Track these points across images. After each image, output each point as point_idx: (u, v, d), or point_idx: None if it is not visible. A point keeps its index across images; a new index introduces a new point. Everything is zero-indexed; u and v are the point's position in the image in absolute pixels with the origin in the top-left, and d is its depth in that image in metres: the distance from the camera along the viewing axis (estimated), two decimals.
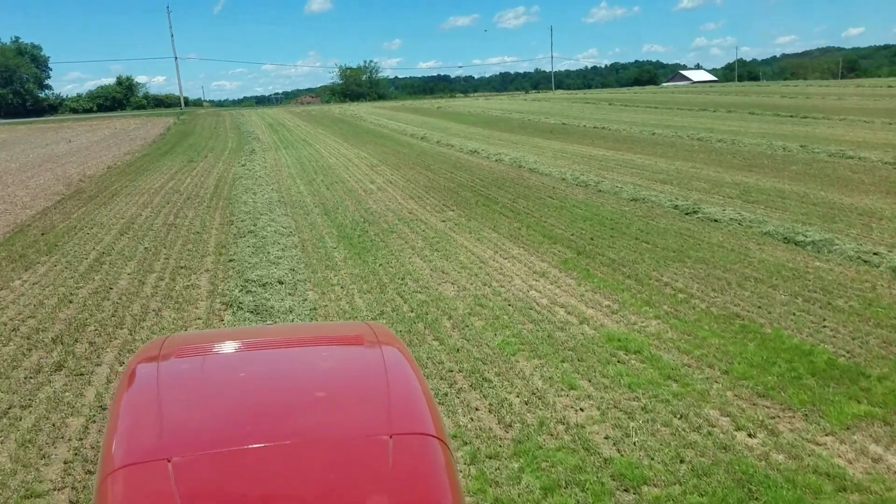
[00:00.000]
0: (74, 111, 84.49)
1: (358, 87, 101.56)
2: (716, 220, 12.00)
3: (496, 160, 22.28)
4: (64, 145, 35.50)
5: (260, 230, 12.26)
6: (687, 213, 12.74)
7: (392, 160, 23.38)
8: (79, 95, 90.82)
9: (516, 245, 10.95)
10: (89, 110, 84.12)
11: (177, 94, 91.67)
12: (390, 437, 2.01)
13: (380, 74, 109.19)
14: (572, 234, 11.46)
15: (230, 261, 10.32)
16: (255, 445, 1.98)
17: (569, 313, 7.58)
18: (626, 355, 6.31)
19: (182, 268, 9.97)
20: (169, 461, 1.88)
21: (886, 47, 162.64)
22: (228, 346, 2.92)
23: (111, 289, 8.97)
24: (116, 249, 11.18)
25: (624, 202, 14.20)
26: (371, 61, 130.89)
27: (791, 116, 32.02)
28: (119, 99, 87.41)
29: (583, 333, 6.89)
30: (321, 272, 9.69)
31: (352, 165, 22.31)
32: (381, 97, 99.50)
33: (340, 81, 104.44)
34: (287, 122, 49.59)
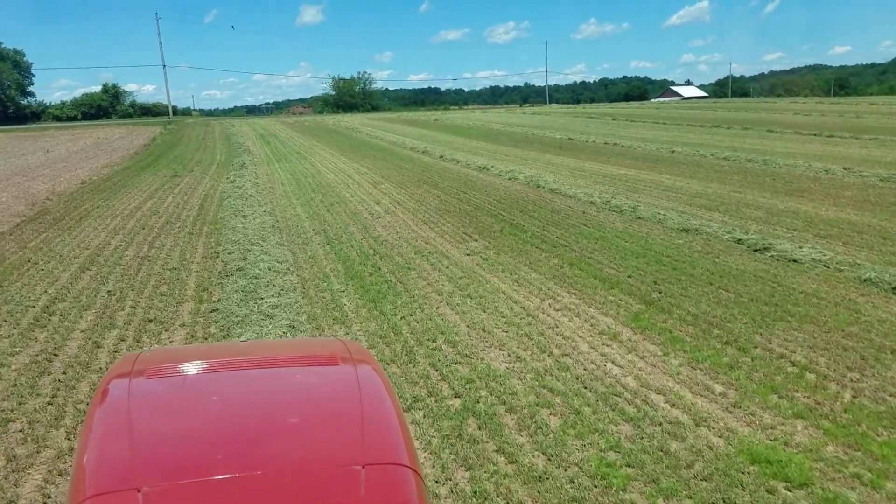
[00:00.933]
0: (58, 119, 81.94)
1: (351, 98, 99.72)
2: (795, 261, 10.09)
3: (510, 178, 20.38)
4: (41, 155, 33.26)
5: (251, 266, 10.22)
6: (756, 250, 10.82)
7: (395, 177, 21.41)
8: (63, 103, 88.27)
9: (565, 289, 8.97)
10: (73, 118, 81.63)
11: (165, 102, 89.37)
12: (363, 466, 1.97)
13: (373, 86, 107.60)
14: (629, 276, 9.50)
15: (213, 311, 8.27)
16: (225, 476, 1.93)
17: (673, 405, 5.59)
18: (791, 491, 4.32)
19: (151, 321, 7.90)
20: (139, 491, 1.84)
21: (873, 66, 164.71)
22: (202, 366, 2.82)
23: (55, 356, 6.88)
24: (73, 293, 9.07)
25: (673, 233, 12.28)
26: (365, 72, 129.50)
27: (815, 135, 30.37)
28: (105, 107, 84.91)
29: (709, 446, 4.90)
30: (328, 328, 7.66)
31: (352, 182, 20.30)
32: (374, 108, 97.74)
33: (333, 92, 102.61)
34: (279, 134, 47.55)
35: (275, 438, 2.23)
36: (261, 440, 2.21)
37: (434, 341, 7.18)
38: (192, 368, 2.82)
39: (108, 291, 9.12)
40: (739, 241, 11.42)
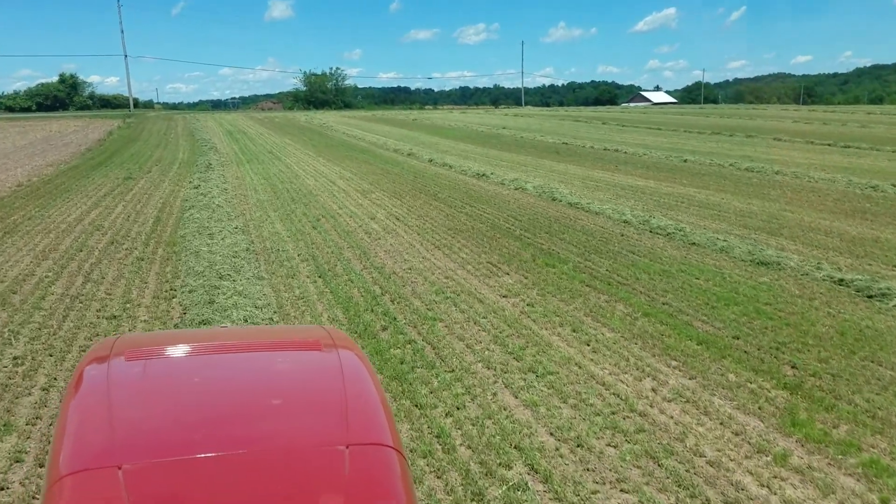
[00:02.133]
0: (11, 110, 76.84)
1: (323, 94, 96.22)
2: None
3: (516, 188, 17.94)
4: None
5: (220, 313, 7.52)
6: (871, 297, 8.52)
7: (385, 184, 18.78)
8: (15, 93, 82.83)
9: (660, 360, 6.51)
10: (27, 109, 76.65)
11: (126, 95, 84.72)
12: (347, 447, 1.96)
13: (346, 82, 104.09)
14: (734, 336, 7.09)
15: None
16: (208, 454, 1.89)
17: None
18: None
19: None
20: (119, 468, 1.80)
21: (835, 75, 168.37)
22: (182, 349, 2.74)
23: None
24: None
25: (747, 266, 9.95)
26: (337, 68, 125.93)
27: (829, 145, 28.63)
28: (61, 98, 79.96)
29: None
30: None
31: (337, 190, 17.59)
32: (347, 106, 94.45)
33: (304, 88, 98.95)
34: (248, 130, 44.35)
35: (258, 419, 2.17)
36: (243, 421, 2.14)
37: (509, 467, 4.64)
38: (172, 351, 2.71)
39: (14, 359, 6.33)
40: (841, 281, 9.12)
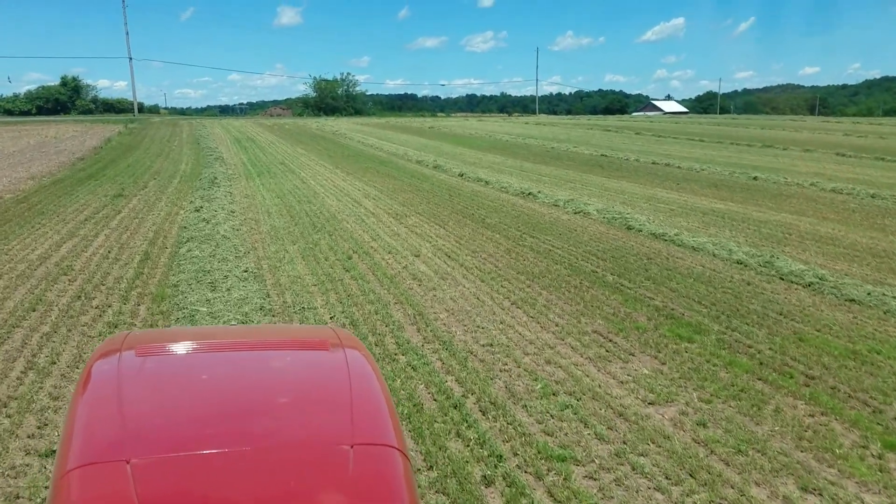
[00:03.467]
0: (10, 113, 74.40)
1: (333, 100, 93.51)
2: None
3: (576, 211, 15.11)
4: None
5: None
6: None
7: (419, 204, 15.94)
8: (15, 95, 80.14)
9: None
10: (27, 112, 74.20)
11: (131, 99, 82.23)
12: (351, 446, 1.96)
13: (357, 88, 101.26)
14: None
15: None
16: (215, 450, 1.91)
17: None
18: None
19: None
20: (128, 462, 1.80)
21: (844, 87, 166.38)
22: (191, 346, 2.75)
23: None
24: None
25: None
26: (348, 74, 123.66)
27: (880, 159, 25.68)
28: (63, 101, 77.44)
29: None
30: None
31: (365, 213, 14.75)
32: (358, 112, 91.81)
33: (314, 94, 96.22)
34: (257, 138, 41.64)
35: (264, 417, 2.16)
36: (250, 418, 2.15)
37: None
38: (181, 348, 2.70)
39: None
40: None
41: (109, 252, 10.62)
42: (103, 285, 8.75)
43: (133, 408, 2.15)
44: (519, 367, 6.41)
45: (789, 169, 23.81)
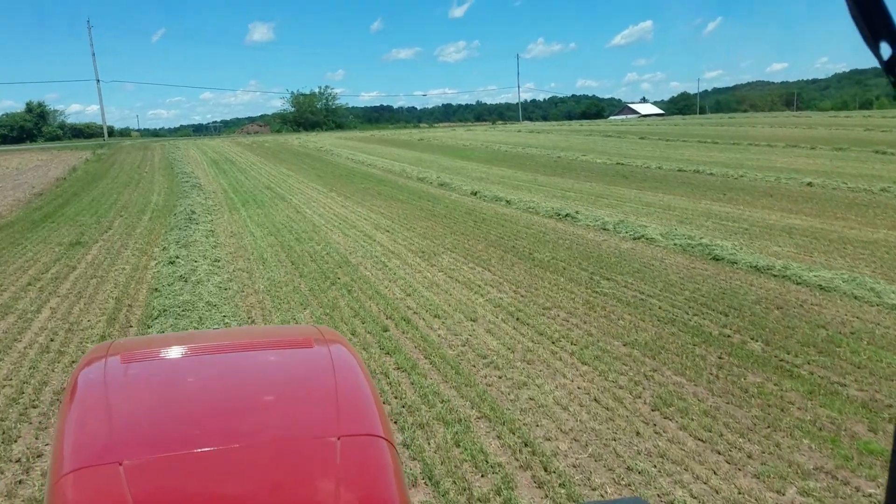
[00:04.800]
0: None
1: (313, 114, 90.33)
2: None
3: (635, 237, 12.53)
4: None
5: None
6: None
7: (443, 235, 13.20)
8: None
9: None
10: None
11: (100, 123, 78.37)
12: (338, 438, 1.98)
13: (336, 102, 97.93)
14: None
15: None
16: (205, 448, 1.93)
17: None
18: None
19: None
20: (121, 464, 1.81)
21: (814, 81, 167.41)
22: (176, 350, 2.77)
23: None
24: None
25: None
26: (327, 87, 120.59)
27: None
28: (28, 129, 73.46)
29: None
30: None
31: (383, 252, 11.95)
32: (338, 126, 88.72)
33: (293, 109, 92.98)
34: (237, 159, 38.62)
35: (251, 414, 2.20)
36: (238, 416, 2.19)
37: None
38: (167, 352, 2.74)
39: None
40: None
41: (52, 338, 7.68)
42: (34, 407, 5.85)
43: (122, 411, 2.16)
44: None
45: (836, 171, 21.40)
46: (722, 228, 13.34)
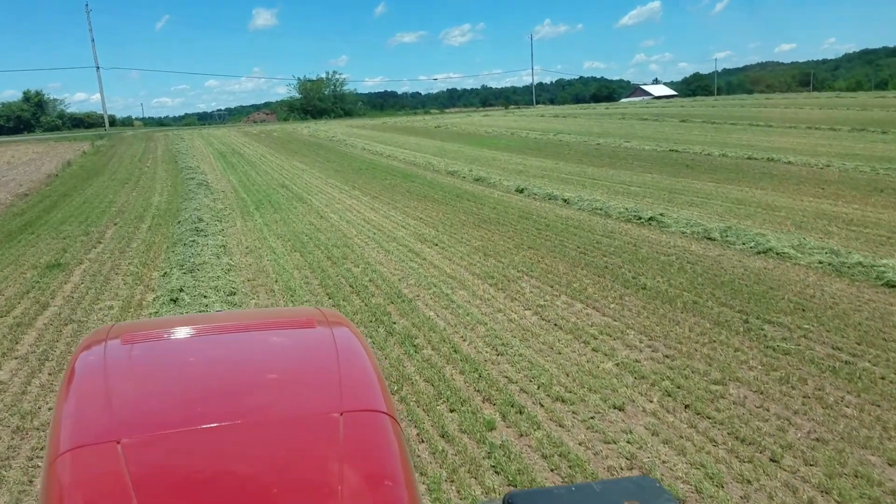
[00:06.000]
0: None
1: (320, 101, 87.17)
2: None
3: (764, 253, 9.97)
4: None
5: None
6: None
7: (508, 251, 10.56)
8: None
9: None
10: None
11: (101, 112, 75.53)
12: (341, 414, 1.93)
13: (344, 88, 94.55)
14: None
15: None
16: (205, 426, 1.88)
17: None
18: None
19: None
20: (118, 443, 1.78)
21: (825, 62, 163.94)
22: (178, 332, 2.75)
23: None
24: None
25: None
26: (334, 73, 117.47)
27: None
28: (26, 119, 70.72)
29: None
30: None
31: (439, 275, 9.32)
32: (347, 114, 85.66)
33: (300, 96, 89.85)
34: (245, 150, 35.96)
35: (253, 392, 2.15)
36: (239, 394, 2.13)
37: None
38: (168, 333, 2.70)
39: None
40: None
41: None
42: None
43: (121, 392, 2.11)
44: None
45: None
46: (858, 237, 10.66)
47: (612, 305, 7.85)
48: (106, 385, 2.15)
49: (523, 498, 1.98)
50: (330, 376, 2.22)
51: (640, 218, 12.90)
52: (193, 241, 11.90)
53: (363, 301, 8.41)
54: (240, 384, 2.20)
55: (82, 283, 9.69)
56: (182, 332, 2.72)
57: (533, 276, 9.29)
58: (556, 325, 7.31)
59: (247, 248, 11.79)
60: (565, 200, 15.46)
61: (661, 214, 12.93)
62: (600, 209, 14.03)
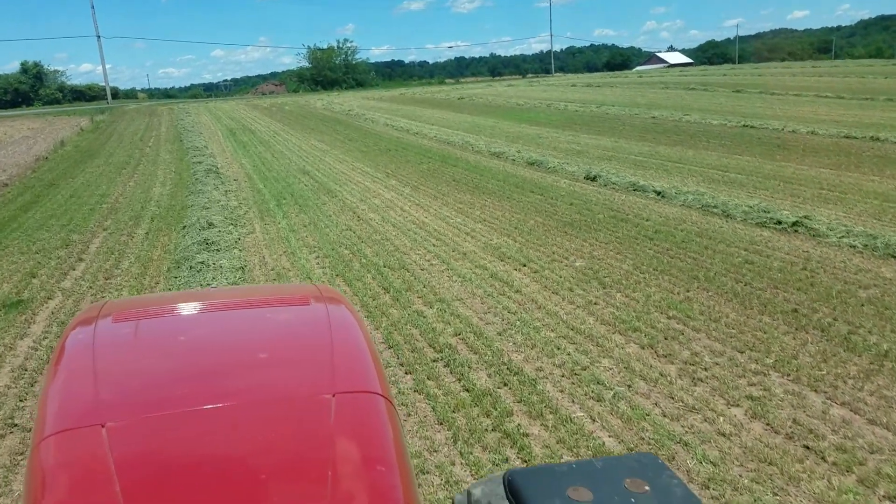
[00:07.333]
0: None
1: (331, 72, 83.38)
2: None
3: None
4: None
5: None
6: None
7: (629, 276, 7.63)
8: None
9: None
10: None
11: (102, 84, 72.15)
12: (333, 395, 1.88)
13: (357, 57, 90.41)
14: None
15: None
16: (192, 408, 1.84)
17: None
18: None
19: None
20: (103, 426, 1.74)
21: (839, 28, 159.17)
22: (170, 309, 2.71)
23: None
24: None
25: None
26: (346, 41, 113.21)
27: None
28: (24, 92, 67.54)
29: None
30: None
31: (555, 326, 6.44)
32: (360, 84, 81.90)
33: (310, 65, 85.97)
34: (256, 126, 32.88)
35: (243, 373, 2.09)
36: (229, 375, 2.09)
37: None
38: (160, 311, 2.66)
39: None
40: None
41: None
42: None
43: (109, 373, 2.07)
44: None
45: None
46: None
47: (819, 377, 4.93)
48: (94, 366, 2.10)
49: (523, 475, 1.92)
50: (323, 356, 2.16)
51: (778, 222, 9.93)
52: (201, 264, 8.97)
53: (463, 384, 5.52)
54: (230, 364, 2.15)
55: (45, 338, 6.83)
56: (175, 310, 2.68)
57: (699, 328, 6.37)
58: (793, 437, 4.41)
59: (272, 270, 8.89)
60: (658, 193, 12.49)
61: (807, 217, 9.95)
62: (714, 206, 11.08)
